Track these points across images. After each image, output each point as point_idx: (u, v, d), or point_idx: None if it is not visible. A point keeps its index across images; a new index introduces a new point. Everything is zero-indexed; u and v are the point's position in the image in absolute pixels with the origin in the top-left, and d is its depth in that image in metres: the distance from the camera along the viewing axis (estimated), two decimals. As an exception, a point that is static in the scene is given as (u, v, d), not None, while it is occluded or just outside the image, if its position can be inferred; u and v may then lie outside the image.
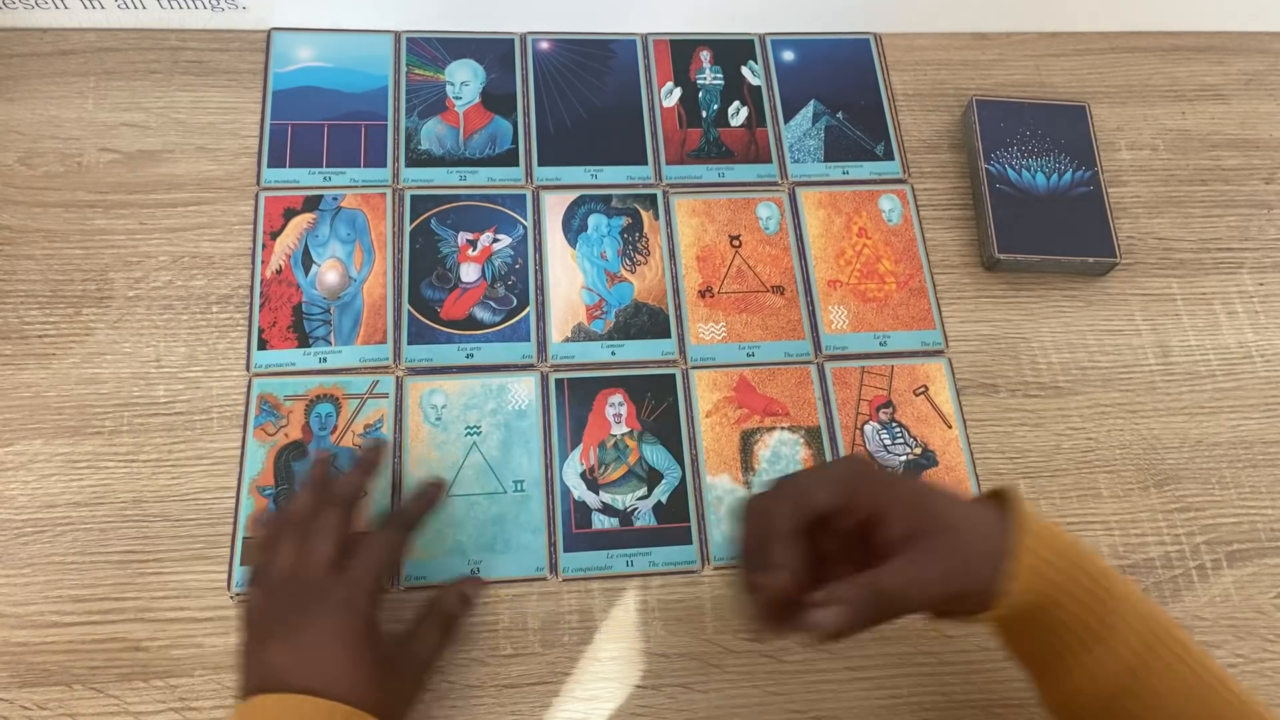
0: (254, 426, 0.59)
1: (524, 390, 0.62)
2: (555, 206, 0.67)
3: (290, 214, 0.65)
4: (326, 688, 0.43)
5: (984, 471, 0.62)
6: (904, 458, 0.62)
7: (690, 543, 0.59)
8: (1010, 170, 0.69)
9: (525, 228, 0.67)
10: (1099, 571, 0.44)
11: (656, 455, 0.61)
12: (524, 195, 0.68)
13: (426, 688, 0.52)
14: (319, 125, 0.68)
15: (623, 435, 0.61)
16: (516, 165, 0.69)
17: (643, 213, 0.68)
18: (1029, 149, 0.70)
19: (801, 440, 0.62)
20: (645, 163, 0.70)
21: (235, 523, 0.57)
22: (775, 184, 0.70)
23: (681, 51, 0.74)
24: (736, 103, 0.73)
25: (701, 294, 0.66)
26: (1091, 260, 0.67)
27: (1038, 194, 0.68)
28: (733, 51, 0.75)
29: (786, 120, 0.72)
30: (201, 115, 0.68)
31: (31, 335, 0.61)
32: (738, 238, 0.68)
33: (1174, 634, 0.44)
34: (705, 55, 0.74)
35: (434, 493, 0.56)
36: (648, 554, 0.58)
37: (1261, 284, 0.70)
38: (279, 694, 0.43)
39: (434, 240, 0.65)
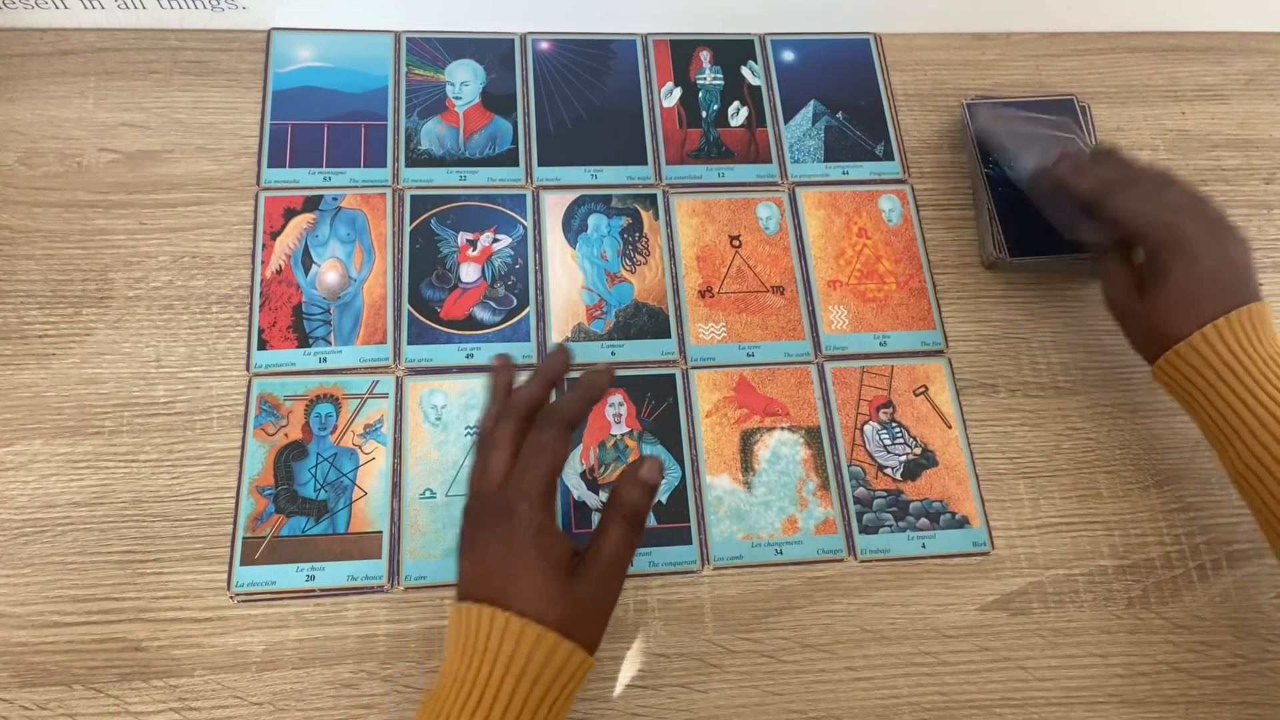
0: (254, 426, 0.59)
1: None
2: (555, 206, 0.67)
3: (290, 214, 0.65)
4: (504, 598, 0.43)
5: (984, 471, 0.62)
6: (904, 458, 0.62)
7: (690, 543, 0.59)
8: (1009, 171, 0.69)
9: (525, 228, 0.67)
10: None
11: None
12: (524, 195, 0.68)
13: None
14: (319, 125, 0.68)
15: (622, 435, 0.61)
16: (516, 165, 0.69)
17: (643, 213, 0.68)
18: None
19: (801, 440, 0.62)
20: (645, 163, 0.70)
21: (235, 523, 0.57)
22: (775, 184, 0.70)
23: (681, 51, 0.74)
24: (736, 103, 0.73)
25: (701, 294, 0.66)
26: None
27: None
28: (733, 51, 0.75)
29: (786, 120, 0.72)
30: (201, 115, 0.68)
31: (31, 335, 0.61)
32: (738, 238, 0.68)
33: None
34: (705, 55, 0.74)
35: (602, 380, 0.51)
36: (648, 554, 0.58)
37: (1261, 284, 0.70)
38: (468, 603, 0.44)
39: (434, 240, 0.66)
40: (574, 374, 0.57)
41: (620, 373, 0.63)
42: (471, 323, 0.63)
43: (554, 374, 0.52)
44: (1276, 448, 0.49)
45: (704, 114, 0.72)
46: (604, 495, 0.60)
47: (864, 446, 0.62)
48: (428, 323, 0.63)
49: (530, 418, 0.49)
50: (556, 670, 0.43)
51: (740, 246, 0.68)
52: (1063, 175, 0.59)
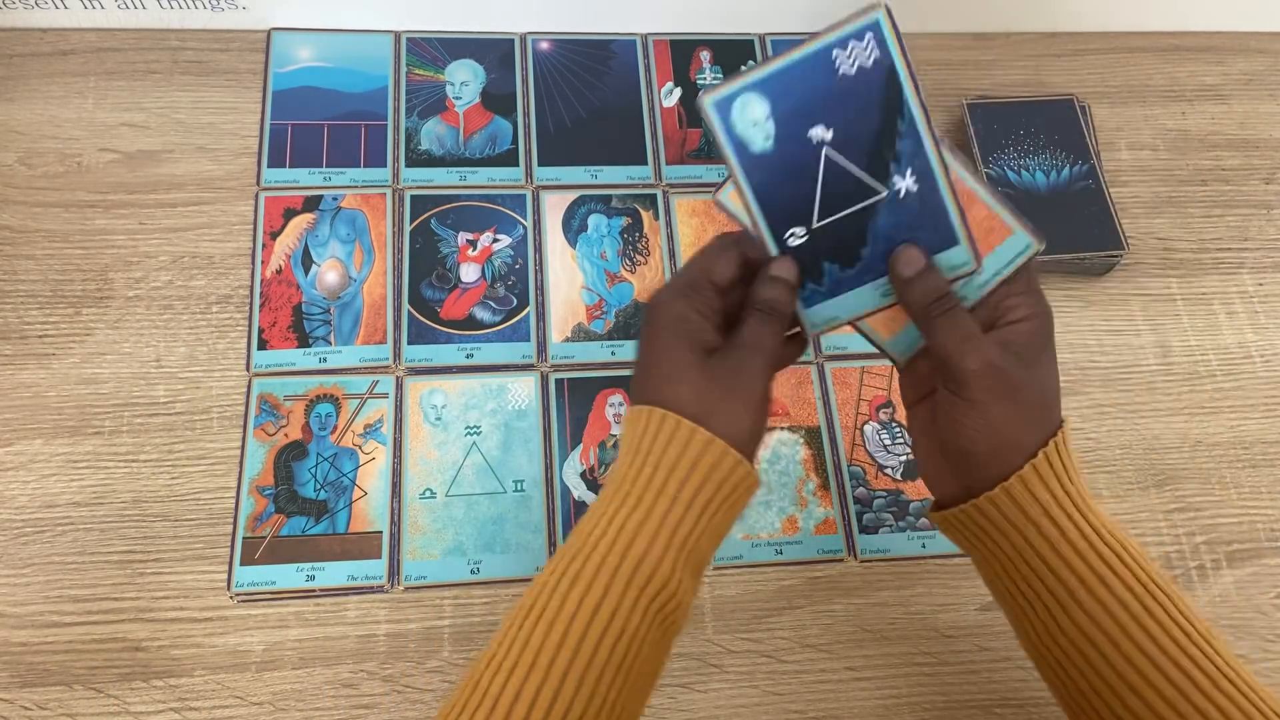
0: (254, 426, 0.59)
1: (524, 390, 0.62)
2: (555, 206, 0.67)
3: (290, 214, 0.65)
4: (649, 393, 0.41)
5: (984, 471, 0.62)
6: (904, 458, 0.62)
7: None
8: (1010, 172, 0.69)
9: (525, 228, 0.67)
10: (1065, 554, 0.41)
11: (656, 455, 0.61)
12: (524, 195, 0.68)
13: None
14: (319, 125, 0.68)
15: (623, 435, 0.61)
16: (516, 165, 0.69)
17: (643, 213, 0.68)
18: (1024, 148, 0.70)
19: (801, 440, 0.62)
20: (645, 163, 0.70)
21: (235, 523, 0.57)
22: (775, 184, 0.70)
23: (681, 51, 0.74)
24: (736, 103, 0.73)
25: (701, 294, 0.66)
26: (1102, 255, 0.66)
27: (1040, 193, 0.68)
28: (733, 51, 0.75)
29: (786, 120, 0.72)
30: (201, 115, 0.68)
31: (31, 335, 0.61)
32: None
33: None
34: (705, 55, 0.74)
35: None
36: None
37: (1261, 284, 0.70)
38: (634, 406, 0.42)
39: (434, 240, 0.65)
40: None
41: (621, 372, 0.63)
42: (471, 323, 0.63)
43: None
44: (1100, 621, 0.39)
45: (704, 114, 0.72)
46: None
47: (864, 446, 0.62)
48: (428, 323, 0.63)
49: (714, 252, 0.45)
50: (721, 478, 0.40)
51: (740, 246, 0.67)
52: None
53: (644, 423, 0.41)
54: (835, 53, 0.41)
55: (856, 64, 0.41)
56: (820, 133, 0.42)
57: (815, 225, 0.43)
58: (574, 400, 0.62)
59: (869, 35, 0.40)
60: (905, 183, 0.42)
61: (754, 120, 0.42)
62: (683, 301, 0.43)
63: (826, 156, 0.43)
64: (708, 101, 0.42)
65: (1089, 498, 0.42)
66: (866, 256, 0.44)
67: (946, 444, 0.43)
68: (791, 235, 0.44)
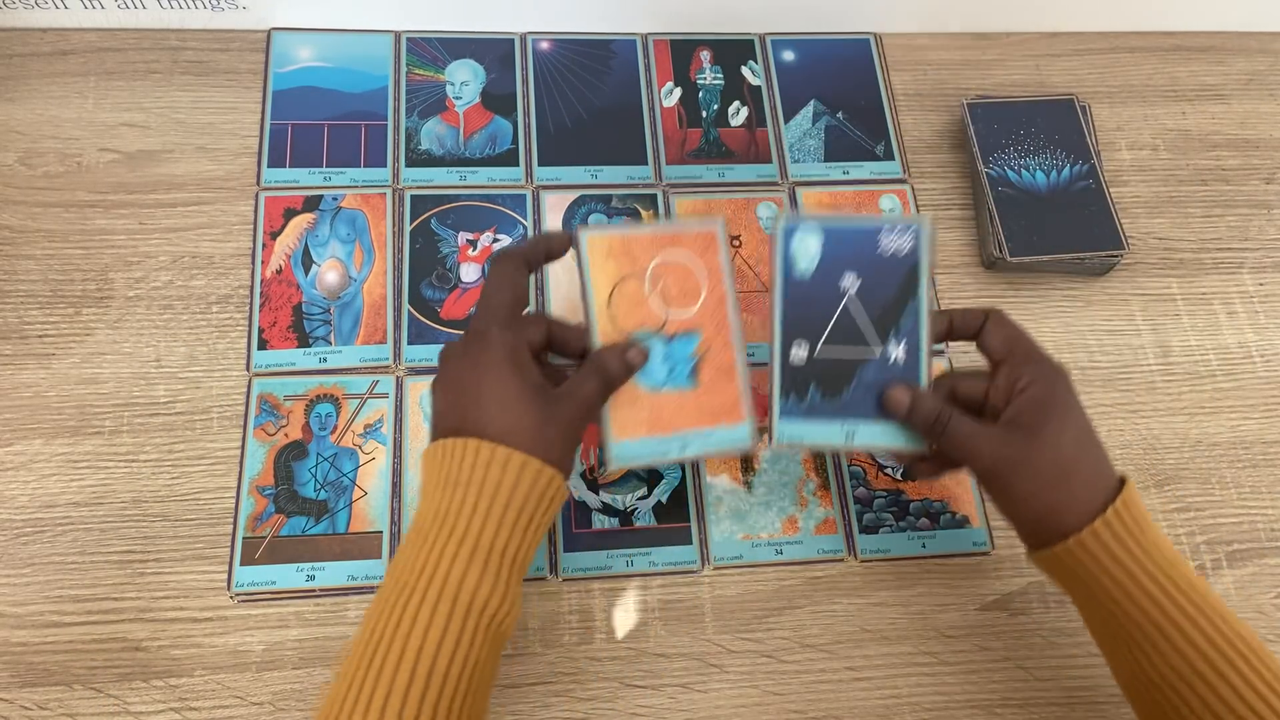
0: (254, 426, 0.59)
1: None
2: (555, 206, 0.67)
3: (290, 214, 0.65)
4: (479, 426, 0.43)
5: (984, 471, 0.62)
6: (904, 458, 0.62)
7: (690, 543, 0.59)
8: (1010, 172, 0.69)
9: (525, 228, 0.67)
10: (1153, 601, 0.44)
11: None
12: (524, 195, 0.68)
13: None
14: (319, 125, 0.68)
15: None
16: (516, 165, 0.69)
17: (643, 212, 0.68)
18: (1025, 148, 0.70)
19: (801, 440, 0.62)
20: (645, 163, 0.70)
21: (235, 523, 0.57)
22: (775, 184, 0.70)
23: (681, 51, 0.74)
24: (736, 103, 0.73)
25: (701, 294, 0.66)
26: (1103, 255, 0.66)
27: (1040, 193, 0.68)
28: (733, 51, 0.75)
29: (786, 120, 0.72)
30: (201, 115, 0.68)
31: (31, 335, 0.61)
32: (738, 237, 0.68)
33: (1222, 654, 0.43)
34: (705, 55, 0.74)
35: (561, 238, 0.51)
36: (648, 554, 0.58)
37: (1261, 284, 0.70)
38: (440, 440, 0.44)
39: (434, 240, 0.65)
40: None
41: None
42: (471, 323, 0.63)
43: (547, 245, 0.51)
44: (1197, 657, 0.43)
45: (704, 114, 0.72)
46: (604, 495, 0.60)
47: (864, 446, 0.62)
48: (428, 323, 0.63)
49: (505, 260, 0.49)
50: (540, 494, 0.44)
51: (741, 246, 0.68)
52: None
53: (466, 455, 0.43)
54: (884, 232, 0.52)
55: (894, 248, 0.52)
56: (850, 282, 0.52)
57: (818, 349, 0.52)
58: (574, 400, 0.62)
59: (911, 233, 0.52)
60: (897, 351, 0.52)
61: (807, 251, 0.52)
62: (512, 334, 0.46)
63: (847, 302, 0.52)
64: (782, 222, 0.52)
65: (1162, 548, 0.45)
66: (847, 396, 0.52)
67: (1039, 484, 0.46)
68: (797, 345, 0.52)
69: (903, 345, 0.52)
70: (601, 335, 0.51)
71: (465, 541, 0.42)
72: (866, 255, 0.52)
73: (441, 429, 0.45)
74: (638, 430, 0.51)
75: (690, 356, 0.52)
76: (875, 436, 0.52)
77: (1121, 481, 0.46)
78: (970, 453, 0.47)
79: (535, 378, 0.46)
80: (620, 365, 0.49)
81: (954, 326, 0.52)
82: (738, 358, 0.53)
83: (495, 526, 0.42)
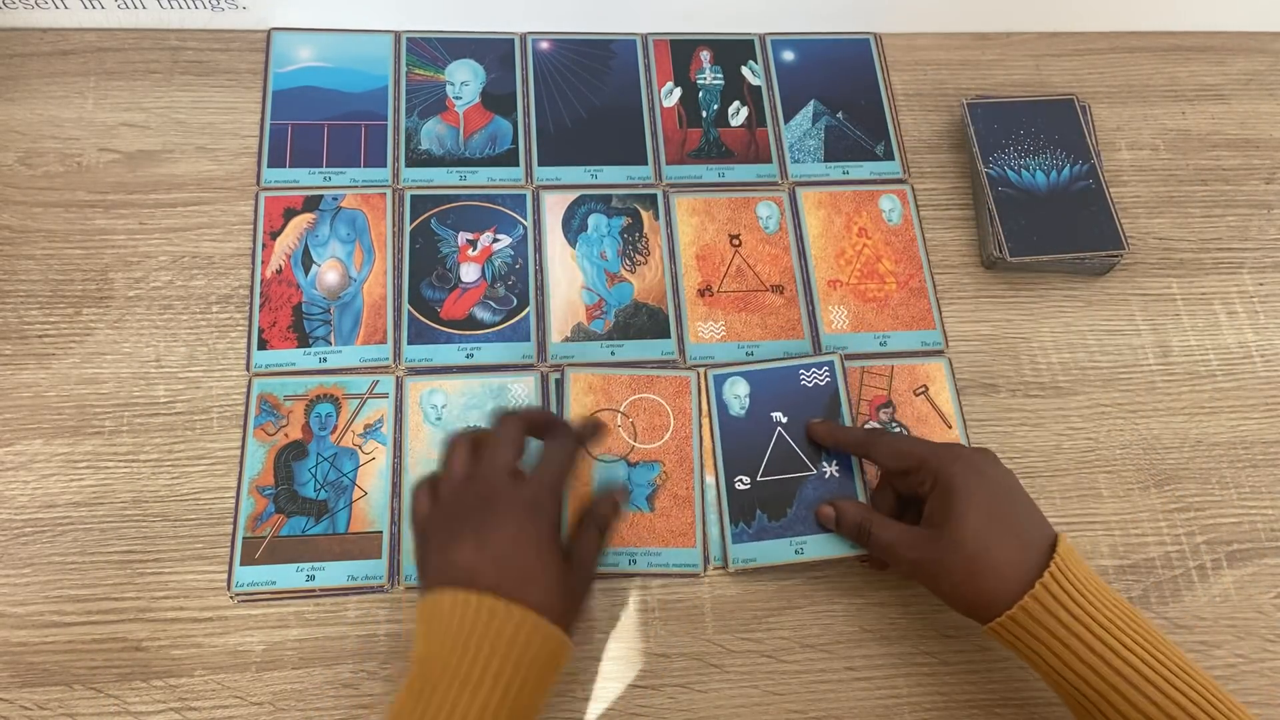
0: (254, 426, 0.59)
1: (523, 390, 0.62)
2: (555, 206, 0.67)
3: (290, 214, 0.65)
4: (513, 590, 0.44)
5: (984, 471, 0.62)
6: (904, 458, 0.62)
7: (695, 547, 0.59)
8: (1010, 172, 0.69)
9: (525, 228, 0.67)
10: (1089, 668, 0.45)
11: (656, 455, 0.62)
12: (524, 195, 0.68)
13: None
14: (319, 125, 0.68)
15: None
16: (516, 165, 0.69)
17: (643, 213, 0.68)
18: (1025, 148, 0.70)
19: (801, 440, 0.63)
20: (645, 163, 0.70)
21: (235, 523, 0.57)
22: (775, 184, 0.70)
23: (681, 51, 0.74)
24: (736, 103, 0.73)
25: (701, 293, 0.66)
26: (1103, 255, 0.66)
27: (1040, 193, 0.68)
28: (733, 51, 0.75)
29: (786, 120, 0.72)
30: (201, 115, 0.68)
31: (31, 335, 0.61)
32: (737, 237, 0.68)
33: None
34: (705, 55, 0.74)
35: (599, 423, 0.58)
36: (648, 554, 0.58)
37: (1261, 284, 0.70)
38: (466, 591, 0.43)
39: (434, 240, 0.65)
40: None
41: (620, 371, 0.63)
42: (471, 323, 0.63)
43: (540, 420, 0.54)
44: (1160, 708, 0.43)
45: (704, 114, 0.72)
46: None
47: (864, 446, 0.62)
48: (428, 323, 0.63)
49: (527, 423, 0.51)
50: (557, 661, 0.45)
51: (740, 246, 0.68)
52: (826, 428, 0.60)
53: (526, 628, 0.43)
54: (802, 371, 0.62)
55: (814, 382, 0.62)
56: (779, 417, 0.61)
57: (759, 478, 0.59)
58: (574, 400, 0.62)
59: (827, 368, 0.62)
60: (830, 468, 0.59)
61: (736, 394, 0.62)
62: (558, 511, 0.49)
63: (779, 434, 0.60)
64: (711, 374, 0.62)
65: (1100, 609, 0.46)
66: (791, 515, 0.58)
67: (969, 565, 0.48)
68: (739, 480, 0.59)
69: (834, 462, 0.59)
70: None
71: (476, 697, 0.42)
72: (790, 391, 0.61)
73: (468, 581, 0.44)
74: None
75: (650, 483, 0.59)
76: (822, 548, 0.57)
77: (1053, 547, 0.47)
78: (892, 558, 0.52)
79: (561, 549, 0.48)
80: (612, 509, 0.53)
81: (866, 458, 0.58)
82: (695, 491, 0.59)
83: (505, 685, 0.42)
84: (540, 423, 0.53)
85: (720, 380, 0.62)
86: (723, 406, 0.61)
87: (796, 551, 0.57)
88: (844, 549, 0.57)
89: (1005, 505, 0.49)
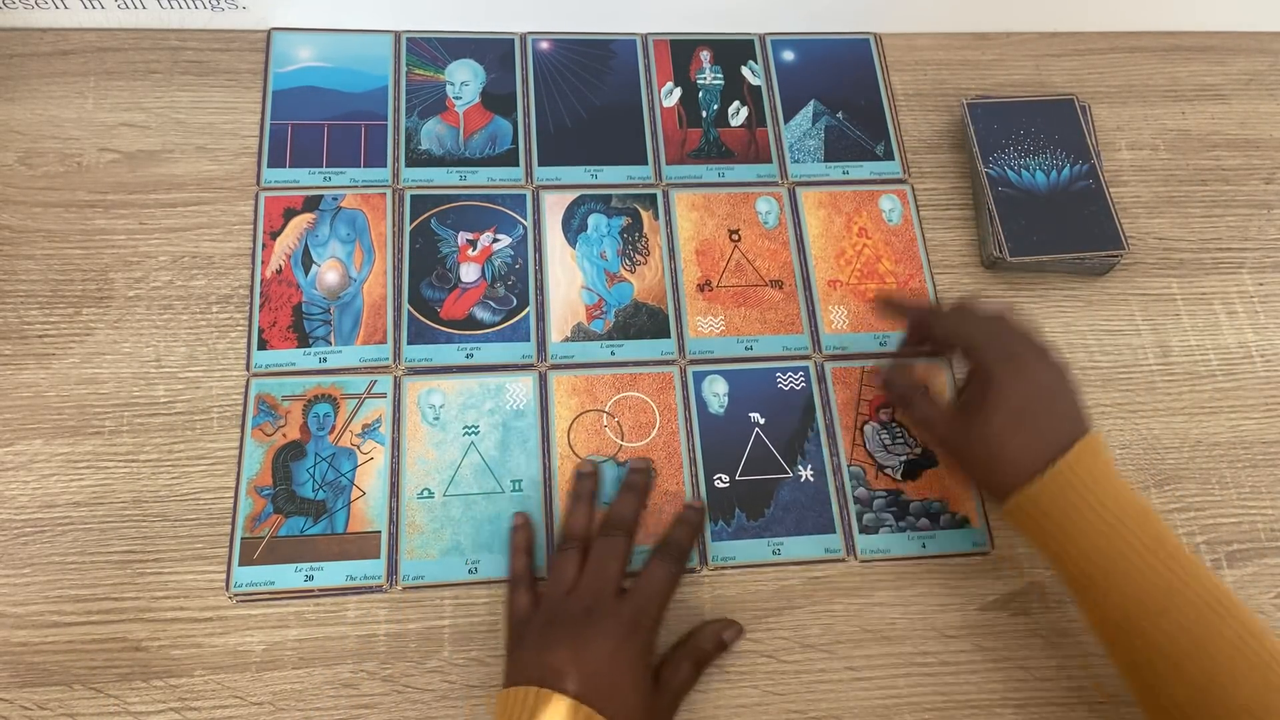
0: (252, 427, 0.59)
1: (522, 390, 0.62)
2: (555, 206, 0.67)
3: (290, 214, 0.65)
4: (602, 704, 0.46)
5: (984, 471, 0.62)
6: (904, 458, 0.62)
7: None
8: (1010, 172, 0.69)
9: (525, 228, 0.67)
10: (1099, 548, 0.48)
11: (656, 455, 0.61)
12: (524, 195, 0.68)
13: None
14: (319, 125, 0.68)
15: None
16: (516, 165, 0.69)
17: (642, 213, 0.68)
18: (1024, 148, 0.70)
19: (801, 440, 0.63)
20: (645, 163, 0.70)
21: (233, 523, 0.57)
22: (775, 184, 0.70)
23: (681, 51, 0.74)
24: (736, 103, 0.73)
25: (700, 288, 0.66)
26: (1103, 255, 0.66)
27: (1040, 193, 0.68)
28: (733, 51, 0.75)
29: (786, 120, 0.72)
30: (201, 115, 0.68)
31: (31, 335, 0.61)
32: (737, 232, 0.68)
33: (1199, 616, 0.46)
34: (705, 55, 0.74)
35: (697, 518, 0.57)
36: (642, 551, 0.58)
37: (1261, 284, 0.70)
38: (556, 693, 0.45)
39: (434, 240, 0.66)
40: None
41: (619, 371, 0.63)
42: (471, 322, 0.63)
43: (647, 492, 0.58)
44: (1146, 599, 0.46)
45: (704, 114, 0.72)
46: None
47: (864, 446, 0.62)
48: (428, 323, 0.63)
49: (633, 535, 0.55)
50: None
51: (739, 241, 0.68)
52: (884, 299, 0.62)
53: (562, 711, 0.45)
54: (779, 374, 0.63)
55: (791, 385, 0.62)
56: (757, 418, 0.61)
57: (737, 476, 0.60)
58: (574, 400, 0.62)
59: (803, 373, 0.63)
60: (806, 473, 0.61)
61: (715, 392, 0.62)
62: (656, 636, 0.51)
63: (756, 434, 0.61)
64: (691, 370, 0.62)
65: (1110, 501, 0.48)
66: (768, 515, 0.59)
67: (994, 439, 0.51)
68: (718, 479, 0.60)
69: (809, 467, 0.60)
70: (560, 459, 0.59)
71: None
72: (767, 393, 0.62)
73: (556, 684, 0.46)
74: None
75: None
76: (799, 549, 0.58)
77: (1073, 443, 0.49)
78: (924, 432, 0.57)
79: (650, 678, 0.50)
80: (715, 646, 0.54)
81: (924, 333, 0.59)
82: (686, 487, 0.59)
83: None
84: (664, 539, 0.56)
85: (700, 378, 0.62)
86: (702, 404, 0.62)
87: (774, 552, 0.58)
88: (819, 551, 0.58)
89: (1037, 403, 0.51)
